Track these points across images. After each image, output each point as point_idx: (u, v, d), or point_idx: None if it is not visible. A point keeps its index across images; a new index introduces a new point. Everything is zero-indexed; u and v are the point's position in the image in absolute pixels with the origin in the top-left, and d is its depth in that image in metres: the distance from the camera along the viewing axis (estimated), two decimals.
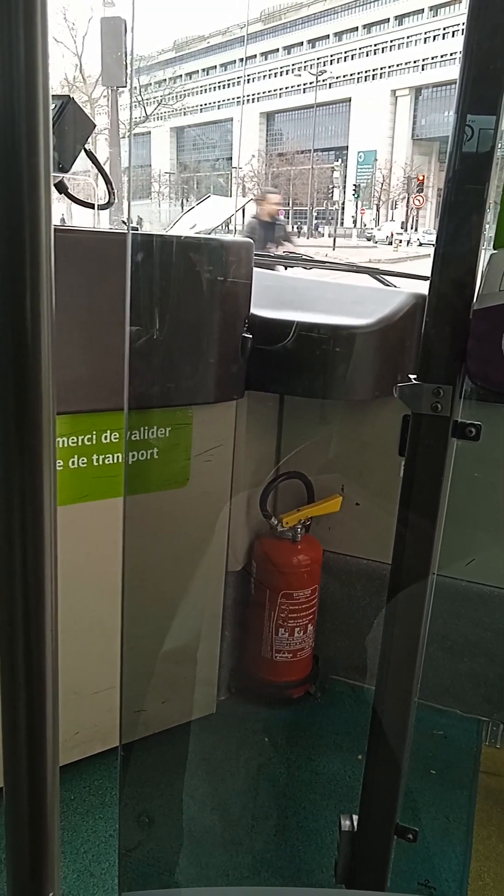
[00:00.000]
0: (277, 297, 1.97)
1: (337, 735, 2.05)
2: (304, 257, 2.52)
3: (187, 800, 1.79)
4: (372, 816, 1.18)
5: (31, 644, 0.64)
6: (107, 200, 1.89)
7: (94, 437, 1.64)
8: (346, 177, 50.57)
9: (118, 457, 1.68)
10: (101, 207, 1.92)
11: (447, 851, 1.66)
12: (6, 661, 0.64)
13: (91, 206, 1.90)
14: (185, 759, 1.91)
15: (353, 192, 47.82)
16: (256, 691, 2.14)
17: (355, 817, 1.19)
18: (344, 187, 49.11)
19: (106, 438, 1.66)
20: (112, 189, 1.90)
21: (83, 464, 1.64)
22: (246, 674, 2.16)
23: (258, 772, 1.94)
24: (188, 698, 2.00)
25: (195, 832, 1.73)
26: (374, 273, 2.44)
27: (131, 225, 1.95)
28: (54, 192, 1.80)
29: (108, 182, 1.90)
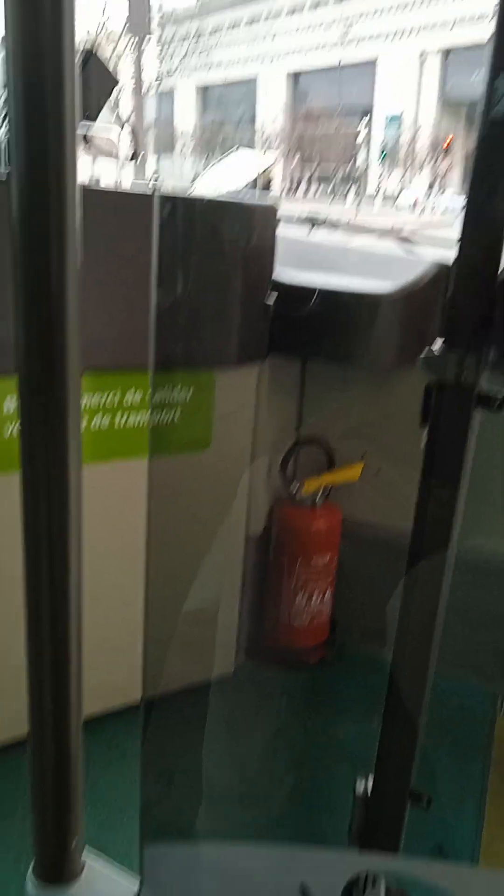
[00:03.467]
0: (301, 260, 1.94)
1: (353, 700, 2.06)
2: (328, 221, 2.48)
3: (204, 759, 1.82)
4: (387, 780, 1.19)
5: (56, 598, 0.64)
6: (132, 153, 1.87)
7: (117, 395, 1.64)
8: (371, 139, 49.54)
9: (140, 418, 1.68)
10: (127, 160, 1.89)
11: (460, 817, 1.68)
12: (32, 616, 0.65)
13: (116, 158, 1.88)
14: (201, 719, 1.94)
15: (378, 155, 46.88)
16: (273, 655, 2.16)
17: (370, 781, 1.21)
18: (369, 150, 48.14)
19: (127, 399, 1.66)
20: (137, 141, 1.87)
21: (105, 423, 1.64)
22: (263, 637, 2.18)
23: (274, 734, 1.97)
24: (207, 659, 2.02)
25: (213, 789, 1.76)
26: (399, 238, 2.39)
27: (155, 181, 1.92)
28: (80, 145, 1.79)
29: (132, 136, 1.87)
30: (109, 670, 1.79)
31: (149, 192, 1.57)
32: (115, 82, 1.81)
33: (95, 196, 1.52)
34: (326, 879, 0.76)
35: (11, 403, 1.52)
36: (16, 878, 1.44)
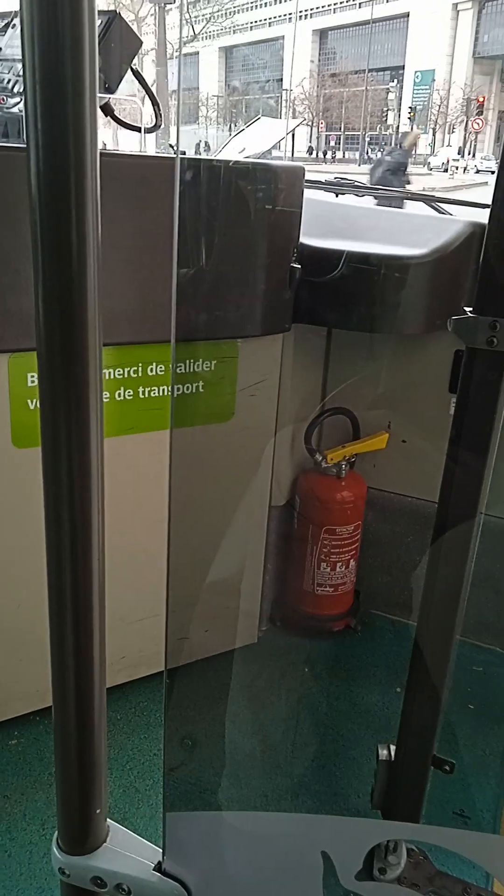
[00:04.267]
0: (328, 225, 1.91)
1: (376, 668, 2.07)
2: (356, 184, 2.43)
3: (229, 725, 1.85)
4: (409, 747, 1.20)
5: (77, 569, 0.65)
6: (154, 123, 1.83)
7: (140, 369, 1.64)
8: (401, 99, 48.24)
9: (164, 389, 1.67)
10: (148, 130, 1.86)
11: (482, 783, 1.69)
12: (54, 586, 0.66)
13: (138, 128, 1.84)
14: (228, 686, 1.96)
15: (409, 115, 45.65)
16: (298, 623, 2.17)
17: (393, 747, 1.21)
18: (399, 110, 46.94)
19: (152, 371, 1.65)
20: (159, 111, 1.84)
21: (129, 396, 1.64)
22: (288, 606, 2.19)
23: (298, 701, 1.99)
24: (231, 628, 2.04)
25: (237, 756, 1.79)
26: (429, 200, 2.34)
27: (180, 151, 1.89)
28: (100, 115, 1.76)
29: (155, 104, 1.84)
30: (134, 639, 1.81)
31: (170, 157, 1.54)
32: (140, 43, 1.77)
33: (117, 163, 1.50)
34: (348, 846, 0.77)
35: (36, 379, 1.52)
36: (42, 844, 1.48)
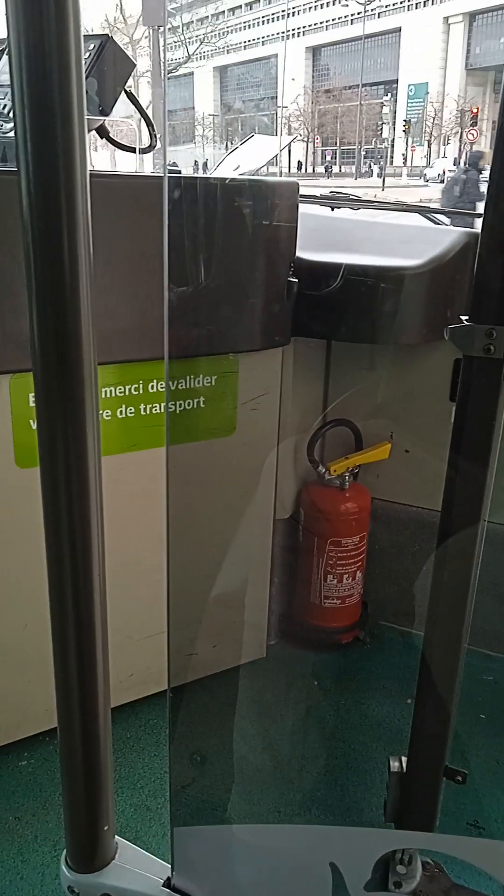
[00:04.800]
0: (324, 238, 1.92)
1: (386, 679, 2.06)
2: (351, 197, 2.44)
3: (239, 740, 1.84)
4: (421, 758, 1.19)
5: (79, 589, 0.65)
6: (149, 144, 1.85)
7: (141, 386, 1.64)
8: (395, 112, 48.59)
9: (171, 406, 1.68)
10: (143, 151, 1.88)
11: (496, 793, 1.68)
12: (56, 606, 0.66)
13: (133, 149, 1.86)
14: (236, 700, 1.95)
15: (404, 127, 45.96)
16: (306, 636, 2.16)
17: (404, 759, 1.21)
18: (394, 123, 47.26)
19: (153, 387, 1.66)
20: (154, 132, 1.85)
21: (131, 413, 1.65)
22: (295, 619, 2.18)
23: (308, 714, 1.98)
24: (238, 642, 2.04)
25: (247, 771, 1.78)
26: (424, 211, 2.35)
27: (172, 168, 1.91)
28: (97, 138, 1.77)
29: (150, 125, 1.85)
30: (142, 656, 1.81)
31: (163, 175, 1.56)
32: (133, 66, 1.78)
33: (113, 184, 1.51)
34: (356, 856, 0.77)
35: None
36: (54, 865, 1.47)
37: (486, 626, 2.03)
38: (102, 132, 1.75)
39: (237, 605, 1.99)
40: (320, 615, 2.13)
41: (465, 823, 1.57)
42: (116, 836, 0.79)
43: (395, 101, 49.26)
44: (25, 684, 1.69)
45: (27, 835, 1.56)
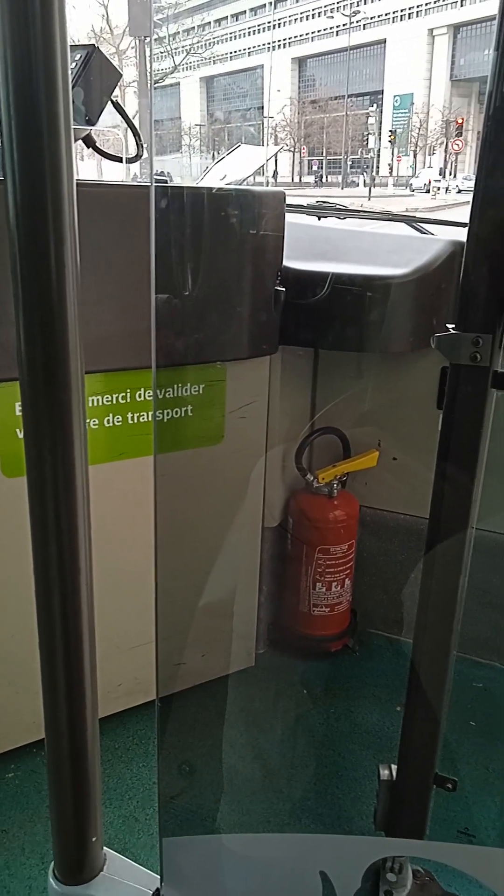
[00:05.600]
0: (310, 248, 1.93)
1: (375, 687, 2.06)
2: (337, 206, 2.46)
3: (228, 749, 1.83)
4: (411, 766, 1.19)
5: (66, 599, 0.65)
6: (135, 153, 1.85)
7: (129, 394, 1.64)
8: (381, 123, 48.97)
9: (159, 414, 1.68)
10: (130, 160, 1.88)
11: (486, 800, 1.68)
12: (43, 616, 0.66)
13: (119, 159, 1.86)
14: (225, 710, 1.95)
15: (390, 138, 46.31)
16: (295, 645, 2.16)
17: (394, 767, 1.20)
18: (379, 134, 47.63)
19: (140, 396, 1.66)
20: (140, 142, 1.86)
21: (118, 422, 1.65)
22: (284, 628, 2.18)
23: (297, 722, 1.97)
24: (227, 651, 2.03)
25: (236, 780, 1.77)
26: (410, 221, 2.37)
27: (160, 178, 1.92)
28: (84, 147, 1.78)
29: (136, 134, 1.86)
30: (130, 666, 1.80)
31: (148, 184, 1.56)
32: (119, 76, 1.79)
33: (101, 193, 1.51)
34: (345, 864, 0.76)
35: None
36: (42, 878, 1.46)
37: (475, 632, 2.04)
38: (89, 142, 1.75)
39: (226, 614, 1.98)
40: (309, 623, 2.13)
41: (456, 831, 1.57)
42: (105, 848, 0.78)
43: (381, 112, 49.65)
44: (13, 695, 1.67)
45: (14, 847, 1.54)
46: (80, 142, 1.74)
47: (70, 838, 0.74)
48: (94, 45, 1.71)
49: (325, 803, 1.69)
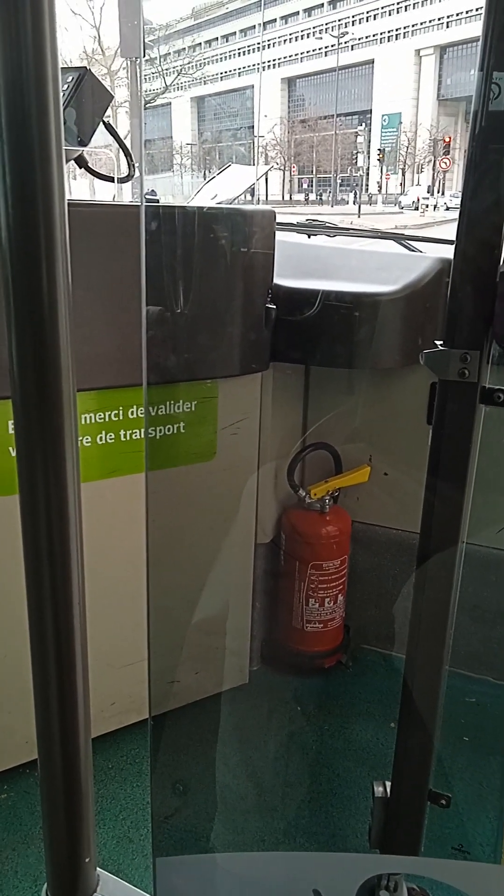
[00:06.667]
0: (300, 265, 1.95)
1: (369, 703, 2.06)
2: (327, 225, 2.48)
3: (222, 767, 1.82)
4: (405, 783, 1.19)
5: (59, 617, 0.65)
6: (127, 173, 1.87)
7: (121, 412, 1.65)
8: (370, 142, 49.48)
9: (151, 432, 1.69)
10: (122, 180, 1.90)
11: (480, 817, 1.67)
12: (36, 635, 0.66)
13: (111, 179, 1.88)
14: (219, 727, 1.94)
15: (378, 156, 46.80)
16: (288, 661, 2.15)
17: (388, 783, 1.20)
18: (368, 152, 48.12)
19: (133, 413, 1.67)
20: (132, 161, 1.88)
21: (111, 439, 1.65)
22: (277, 644, 2.17)
23: (291, 740, 1.96)
24: (220, 669, 2.02)
25: (230, 799, 1.76)
26: (399, 238, 2.39)
27: (151, 197, 1.93)
28: (76, 168, 1.80)
29: (127, 155, 1.88)
30: (123, 685, 1.79)
31: (139, 204, 1.58)
32: (111, 97, 1.81)
33: (93, 213, 1.53)
34: (339, 882, 0.76)
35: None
36: None
37: (467, 647, 2.04)
38: (81, 162, 1.77)
39: (219, 630, 1.98)
40: (302, 639, 2.12)
41: (451, 848, 1.56)
42: (98, 869, 0.77)
43: (370, 131, 50.18)
44: (5, 716, 1.66)
45: (7, 869, 1.52)
46: (72, 162, 1.76)
47: (63, 859, 0.74)
48: (85, 67, 1.73)
49: (320, 821, 1.68)
